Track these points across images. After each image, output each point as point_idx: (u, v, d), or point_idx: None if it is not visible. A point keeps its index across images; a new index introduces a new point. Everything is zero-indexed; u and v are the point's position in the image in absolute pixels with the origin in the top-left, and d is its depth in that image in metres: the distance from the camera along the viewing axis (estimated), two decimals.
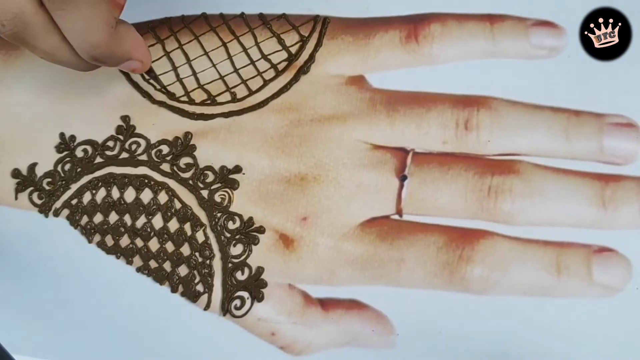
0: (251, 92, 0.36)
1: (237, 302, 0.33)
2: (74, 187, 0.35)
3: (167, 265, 0.34)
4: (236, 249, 0.34)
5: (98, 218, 0.35)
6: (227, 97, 0.36)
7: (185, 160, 0.35)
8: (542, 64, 0.35)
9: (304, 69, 0.36)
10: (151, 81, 0.37)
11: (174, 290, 0.34)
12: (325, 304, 0.33)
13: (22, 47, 0.29)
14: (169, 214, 0.34)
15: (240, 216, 0.34)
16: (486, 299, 0.32)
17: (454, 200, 0.33)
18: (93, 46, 0.29)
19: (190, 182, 0.35)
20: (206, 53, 0.37)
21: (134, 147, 0.36)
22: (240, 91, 0.36)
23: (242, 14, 0.37)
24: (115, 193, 0.35)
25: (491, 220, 0.33)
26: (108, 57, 0.30)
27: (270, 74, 0.36)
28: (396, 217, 0.33)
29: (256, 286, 0.33)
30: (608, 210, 0.32)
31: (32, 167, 0.36)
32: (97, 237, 0.35)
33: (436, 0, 0.36)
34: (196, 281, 0.33)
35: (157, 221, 0.34)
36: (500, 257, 0.32)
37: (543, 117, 0.34)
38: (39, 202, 0.35)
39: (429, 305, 0.32)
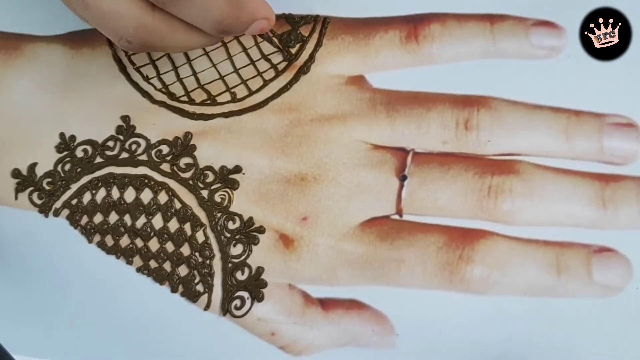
0: (251, 92, 0.36)
1: (237, 302, 0.33)
2: (74, 187, 0.35)
3: (167, 265, 0.34)
4: (236, 249, 0.34)
5: (98, 218, 0.35)
6: (227, 97, 0.36)
7: (185, 160, 0.35)
8: (542, 64, 0.35)
9: (304, 69, 0.36)
10: (151, 81, 0.37)
11: (174, 290, 0.34)
12: (325, 304, 0.33)
13: (155, 51, 0.29)
14: (169, 214, 0.34)
15: (240, 216, 0.34)
16: (486, 299, 0.32)
17: (454, 200, 0.33)
18: (218, 22, 0.29)
19: (190, 182, 0.35)
20: (206, 53, 0.37)
21: (134, 147, 0.36)
22: (240, 91, 0.36)
23: None
24: (115, 193, 0.35)
25: (491, 220, 0.33)
26: (235, 25, 0.30)
27: (270, 74, 0.36)
28: (396, 217, 0.33)
29: (256, 286, 0.33)
30: (608, 210, 0.32)
31: (32, 167, 0.36)
32: (97, 237, 0.35)
33: (436, 0, 0.36)
34: (196, 281, 0.33)
35: (157, 221, 0.34)
36: (500, 257, 0.32)
37: (543, 117, 0.34)
38: (39, 202, 0.35)
39: (429, 305, 0.32)
